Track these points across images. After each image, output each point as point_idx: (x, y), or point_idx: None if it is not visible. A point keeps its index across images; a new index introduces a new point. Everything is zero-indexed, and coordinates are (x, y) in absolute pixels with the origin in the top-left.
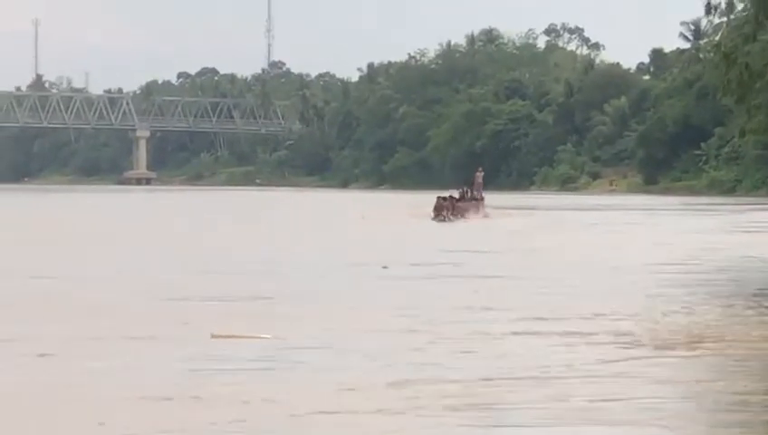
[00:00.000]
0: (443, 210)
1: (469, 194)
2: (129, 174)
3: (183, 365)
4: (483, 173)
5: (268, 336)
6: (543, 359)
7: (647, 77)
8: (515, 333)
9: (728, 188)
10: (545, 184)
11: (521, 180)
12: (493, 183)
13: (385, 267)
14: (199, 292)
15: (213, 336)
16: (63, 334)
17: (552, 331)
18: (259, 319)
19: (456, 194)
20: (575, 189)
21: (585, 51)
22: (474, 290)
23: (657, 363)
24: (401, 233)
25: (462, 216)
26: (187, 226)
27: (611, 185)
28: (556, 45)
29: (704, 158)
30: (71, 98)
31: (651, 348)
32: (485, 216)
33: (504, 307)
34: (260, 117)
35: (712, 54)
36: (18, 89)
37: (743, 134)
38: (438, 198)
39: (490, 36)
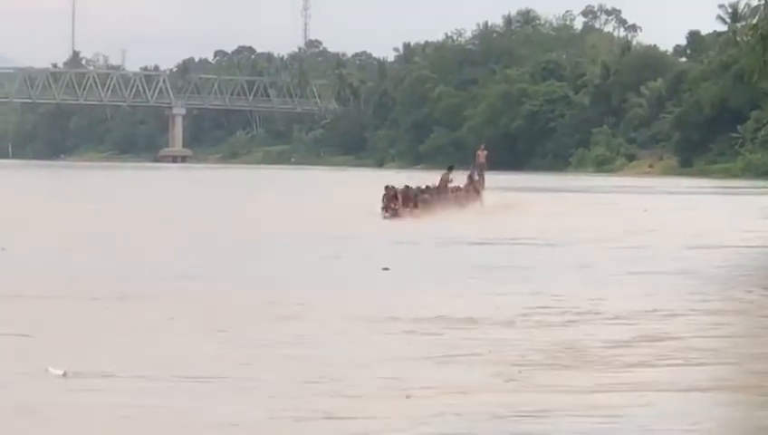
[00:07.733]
0: (390, 203)
1: (456, 178)
2: (164, 152)
3: None
4: (486, 152)
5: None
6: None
7: (683, 59)
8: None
9: (764, 172)
10: (581, 166)
11: (556, 162)
12: (528, 164)
13: (386, 269)
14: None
15: (63, 373)
16: None
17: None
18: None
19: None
20: (611, 171)
21: (622, 32)
22: None
23: None
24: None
25: (422, 208)
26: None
27: (650, 167)
28: (593, 27)
29: (740, 141)
30: (107, 75)
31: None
32: (465, 206)
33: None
34: (296, 96)
35: (749, 37)
36: (55, 65)
37: None
38: (386, 188)
39: (527, 17)
